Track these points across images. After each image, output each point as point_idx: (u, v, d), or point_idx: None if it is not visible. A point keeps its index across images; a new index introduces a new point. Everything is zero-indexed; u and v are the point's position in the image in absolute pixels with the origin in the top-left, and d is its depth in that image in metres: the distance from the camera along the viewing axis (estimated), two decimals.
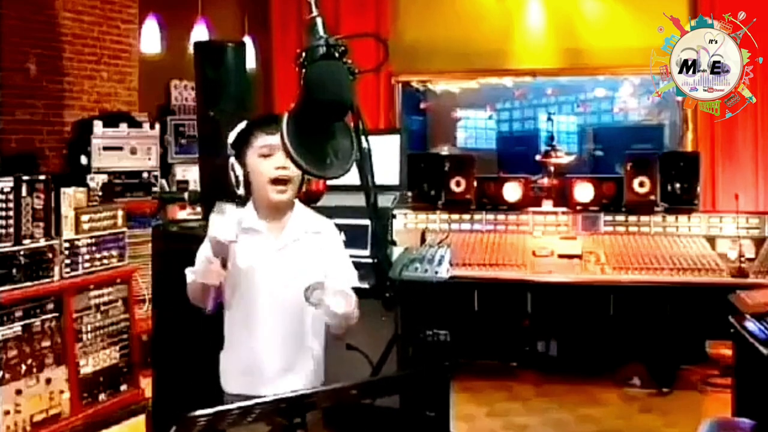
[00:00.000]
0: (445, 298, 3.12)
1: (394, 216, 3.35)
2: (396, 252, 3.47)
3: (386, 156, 3.36)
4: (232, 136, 2.15)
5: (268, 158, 2.07)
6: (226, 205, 2.03)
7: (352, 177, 1.62)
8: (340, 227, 2.17)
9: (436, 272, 3.16)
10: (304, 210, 2.23)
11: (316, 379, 2.19)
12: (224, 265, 2.01)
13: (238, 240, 2.04)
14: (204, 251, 2.07)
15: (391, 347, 2.74)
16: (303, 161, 1.57)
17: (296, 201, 2.20)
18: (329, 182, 3.43)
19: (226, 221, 1.99)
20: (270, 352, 2.11)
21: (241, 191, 2.13)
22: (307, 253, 2.15)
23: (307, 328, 2.16)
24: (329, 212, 2.28)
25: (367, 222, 3.01)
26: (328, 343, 2.22)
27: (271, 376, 2.10)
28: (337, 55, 1.56)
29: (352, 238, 3.00)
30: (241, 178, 2.11)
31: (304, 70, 1.56)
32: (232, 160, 2.13)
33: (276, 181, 2.08)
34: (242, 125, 2.17)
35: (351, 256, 2.21)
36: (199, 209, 3.74)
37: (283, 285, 2.11)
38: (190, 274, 2.12)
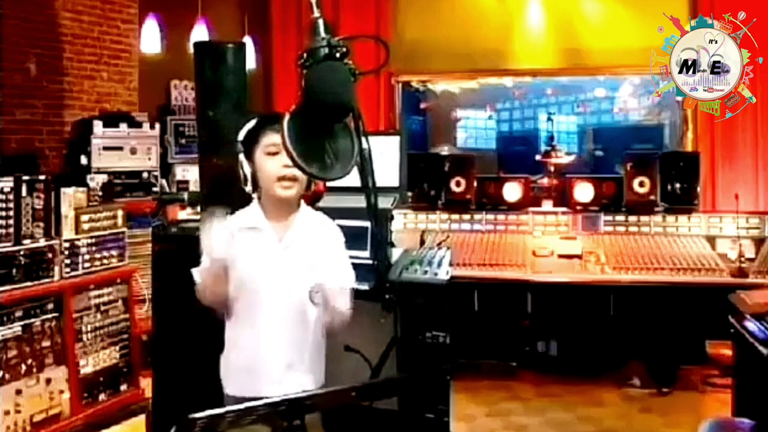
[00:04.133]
0: (444, 300, 3.11)
1: (392, 217, 3.34)
2: (395, 253, 3.46)
3: (386, 157, 3.36)
4: (242, 134, 2.16)
5: (275, 156, 2.08)
6: (215, 214, 2.04)
7: (352, 178, 1.62)
8: (339, 229, 2.17)
9: (436, 274, 3.15)
10: (309, 210, 2.24)
11: (318, 376, 2.19)
12: (225, 273, 2.07)
13: (241, 241, 2.08)
14: (204, 259, 2.10)
15: (390, 349, 2.74)
16: (304, 162, 1.57)
17: (302, 201, 2.21)
18: (329, 183, 3.43)
19: (216, 235, 2.00)
20: (275, 350, 2.12)
21: (248, 188, 2.15)
22: (311, 253, 2.14)
23: (310, 327, 2.16)
24: (329, 213, 2.28)
25: (366, 224, 3.00)
26: (328, 344, 2.22)
27: (277, 374, 2.11)
28: (338, 56, 1.56)
29: (352, 239, 2.99)
30: (249, 176, 2.12)
31: (305, 71, 1.56)
32: (241, 157, 2.14)
33: (282, 179, 2.09)
34: (252, 123, 2.17)
35: (350, 258, 2.21)
36: (199, 209, 3.74)
37: (288, 284, 2.11)
38: (198, 276, 2.13)
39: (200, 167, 3.46)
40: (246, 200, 2.21)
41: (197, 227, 3.16)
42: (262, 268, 2.11)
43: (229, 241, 2.03)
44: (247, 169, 2.13)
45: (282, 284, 2.11)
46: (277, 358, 2.12)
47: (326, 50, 1.53)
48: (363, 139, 1.58)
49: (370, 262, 2.97)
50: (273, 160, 2.09)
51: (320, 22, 1.56)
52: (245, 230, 2.13)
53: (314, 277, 2.10)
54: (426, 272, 3.19)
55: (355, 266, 2.20)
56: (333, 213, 2.32)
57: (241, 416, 1.31)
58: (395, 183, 3.41)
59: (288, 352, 2.13)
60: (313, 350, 2.18)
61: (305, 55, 1.56)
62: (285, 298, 2.12)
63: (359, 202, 1.71)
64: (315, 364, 2.20)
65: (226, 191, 2.21)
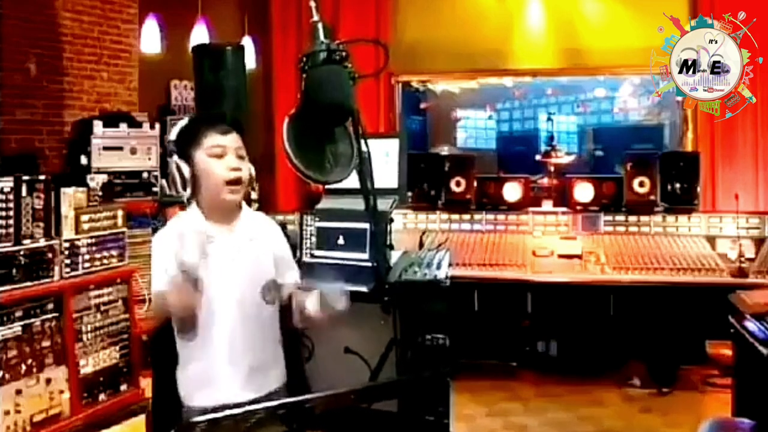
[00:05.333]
0: (444, 302, 3.11)
1: (392, 220, 3.34)
2: (395, 255, 3.45)
3: (385, 159, 3.36)
4: (174, 133, 2.09)
5: (221, 159, 2.01)
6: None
7: (352, 181, 1.62)
8: (339, 230, 2.18)
9: (435, 276, 3.15)
10: (249, 210, 2.19)
11: (280, 372, 2.17)
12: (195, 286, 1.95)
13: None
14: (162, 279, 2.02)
15: (389, 351, 2.74)
16: (303, 166, 1.57)
17: (242, 201, 2.15)
18: (328, 186, 3.43)
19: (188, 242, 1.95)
20: (237, 356, 2.07)
21: (187, 192, 2.05)
22: (260, 253, 2.11)
23: (266, 325, 2.13)
24: (328, 215, 2.28)
25: (366, 226, 2.99)
26: (328, 347, 2.23)
27: (240, 380, 2.07)
28: (338, 60, 1.56)
29: (351, 241, 2.99)
30: (188, 178, 2.03)
31: (305, 75, 1.56)
32: (176, 158, 2.05)
33: (230, 182, 2.02)
34: (185, 122, 2.11)
35: (350, 260, 2.22)
36: None
37: (242, 287, 2.07)
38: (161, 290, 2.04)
39: None
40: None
41: None
42: (211, 274, 2.02)
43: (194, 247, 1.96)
44: (185, 171, 2.02)
45: (236, 288, 2.06)
46: (240, 363, 2.07)
47: (325, 54, 1.53)
48: (362, 142, 1.58)
49: (369, 264, 2.96)
50: (219, 163, 2.01)
51: (320, 26, 1.56)
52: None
53: (264, 276, 2.08)
54: (425, 274, 3.18)
55: (354, 268, 2.20)
56: (332, 215, 2.32)
57: (239, 421, 1.31)
58: (394, 185, 3.40)
59: (249, 355, 2.08)
60: (273, 347, 2.15)
61: (305, 58, 1.56)
62: (240, 302, 2.06)
63: (358, 204, 1.71)
64: (276, 360, 2.17)
65: None
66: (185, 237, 1.96)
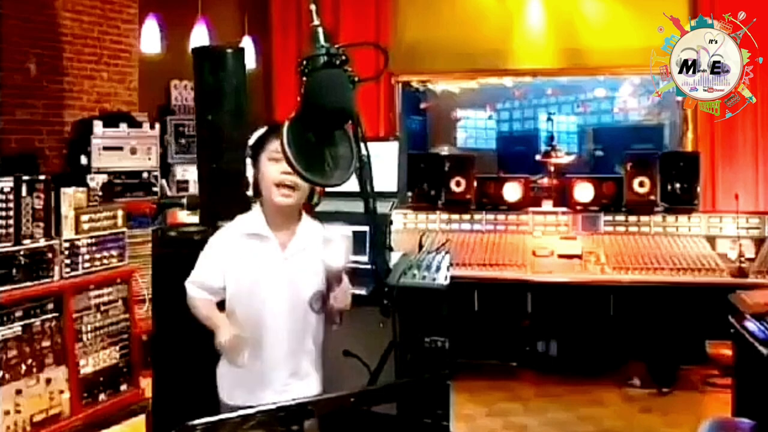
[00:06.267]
0: (444, 304, 3.10)
1: (391, 222, 3.33)
2: (394, 257, 3.45)
3: (385, 162, 3.36)
4: (252, 139, 2.18)
5: (277, 162, 2.07)
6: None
7: (351, 184, 1.63)
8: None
9: (435, 279, 3.14)
10: (311, 220, 2.24)
11: (317, 384, 2.20)
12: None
13: (244, 248, 2.12)
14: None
15: (388, 354, 2.73)
16: (303, 169, 1.58)
17: (303, 212, 2.21)
18: (328, 188, 3.43)
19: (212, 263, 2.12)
20: (276, 360, 2.12)
21: (250, 193, 2.16)
22: (312, 263, 2.14)
23: (310, 334, 2.17)
24: (327, 218, 2.29)
25: (365, 228, 3.00)
26: (326, 348, 2.23)
27: (278, 384, 2.11)
28: (337, 63, 1.56)
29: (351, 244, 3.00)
30: (251, 180, 2.14)
31: (305, 79, 1.56)
32: (248, 161, 2.16)
33: (281, 185, 2.09)
34: (263, 130, 2.19)
35: (349, 262, 2.22)
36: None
37: (288, 294, 2.11)
38: (192, 290, 2.19)
39: (199, 171, 3.46)
40: (245, 205, 2.22)
41: (195, 231, 3.18)
42: (264, 276, 2.10)
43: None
44: (250, 173, 2.14)
45: (284, 293, 2.11)
46: (281, 367, 2.12)
47: (325, 58, 1.54)
48: (362, 145, 1.59)
49: (368, 266, 2.96)
50: (274, 166, 2.08)
51: (320, 30, 1.56)
52: (249, 237, 2.14)
53: (313, 287, 2.12)
54: (425, 277, 3.17)
55: (353, 271, 2.19)
56: (331, 217, 2.33)
57: (239, 423, 1.31)
58: (394, 188, 3.40)
59: (290, 361, 2.13)
60: (314, 357, 2.19)
61: (304, 62, 1.57)
62: (287, 307, 2.11)
63: (357, 206, 1.72)
64: (315, 370, 2.20)
65: (225, 195, 2.21)
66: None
